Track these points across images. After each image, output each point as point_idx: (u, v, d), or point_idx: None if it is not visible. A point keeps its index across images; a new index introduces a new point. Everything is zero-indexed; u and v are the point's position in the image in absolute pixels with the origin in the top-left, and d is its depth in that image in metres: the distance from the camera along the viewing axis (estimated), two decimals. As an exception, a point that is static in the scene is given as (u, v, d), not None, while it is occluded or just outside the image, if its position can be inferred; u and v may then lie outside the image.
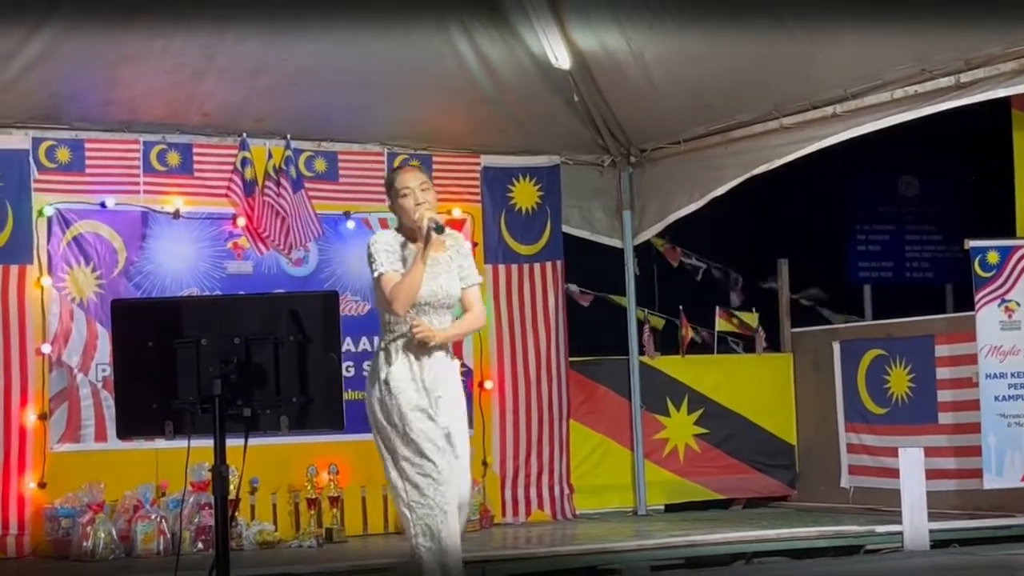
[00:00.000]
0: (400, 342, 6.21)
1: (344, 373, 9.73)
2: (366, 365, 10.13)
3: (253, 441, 5.22)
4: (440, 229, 6.18)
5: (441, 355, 6.27)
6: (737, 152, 10.51)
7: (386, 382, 6.17)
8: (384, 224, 10.34)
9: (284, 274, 10.06)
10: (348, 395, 9.71)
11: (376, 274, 6.24)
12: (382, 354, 6.24)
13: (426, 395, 6.16)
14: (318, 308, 5.22)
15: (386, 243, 6.28)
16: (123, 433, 5.27)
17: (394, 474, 6.16)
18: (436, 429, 6.14)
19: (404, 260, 6.23)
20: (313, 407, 5.15)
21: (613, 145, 11.22)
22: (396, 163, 10.47)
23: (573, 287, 11.36)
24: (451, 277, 6.32)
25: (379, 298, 6.28)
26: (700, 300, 11.84)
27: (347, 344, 10.08)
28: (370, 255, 6.26)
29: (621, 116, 10.94)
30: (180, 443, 5.23)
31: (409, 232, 6.30)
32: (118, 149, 9.70)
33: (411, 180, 6.31)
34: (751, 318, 11.74)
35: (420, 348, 6.18)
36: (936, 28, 8.60)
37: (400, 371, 6.17)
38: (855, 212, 13.94)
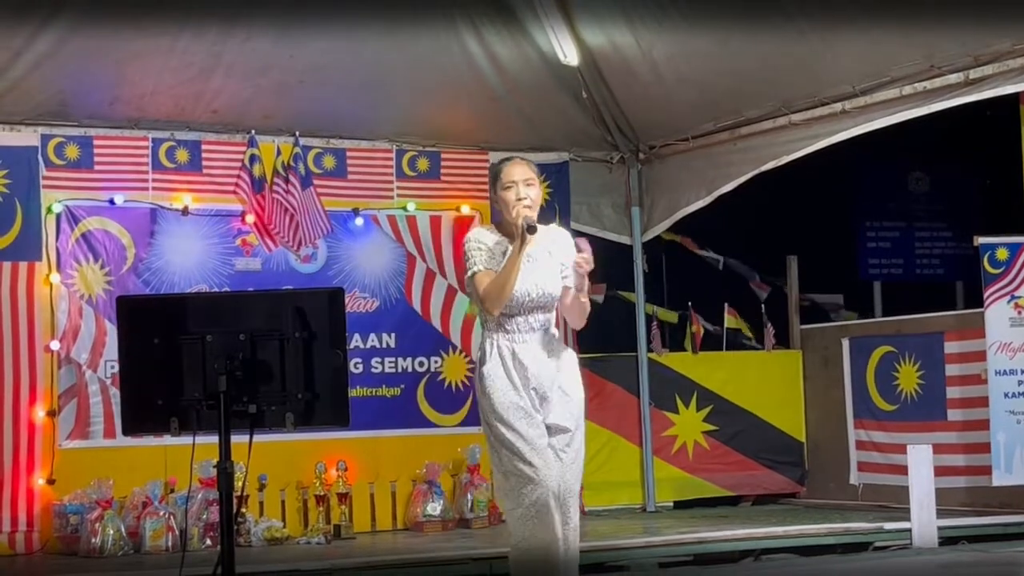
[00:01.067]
0: (495, 338, 6.00)
1: (352, 370, 9.88)
2: (375, 362, 10.29)
3: (262, 438, 5.22)
4: (532, 229, 5.91)
5: (545, 345, 6.03)
6: (745, 149, 10.51)
7: (480, 379, 6.01)
8: (392, 221, 10.38)
9: (293, 271, 10.06)
10: (356, 392, 9.88)
11: (470, 273, 6.02)
12: (482, 351, 6.07)
13: (524, 392, 5.93)
14: (324, 304, 5.20)
15: (480, 240, 6.04)
16: (128, 430, 5.27)
17: (493, 469, 6.08)
18: (534, 428, 5.93)
19: (499, 257, 5.99)
20: (319, 404, 5.13)
21: (622, 142, 11.22)
22: (405, 160, 10.49)
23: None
24: (549, 275, 6.04)
25: (473, 296, 6.12)
26: (710, 296, 11.83)
27: (355, 341, 10.10)
28: (465, 253, 6.07)
29: (630, 113, 10.94)
30: (189, 439, 5.23)
31: (507, 227, 6.05)
32: (127, 146, 9.72)
33: (517, 174, 6.03)
34: (744, 327, 11.75)
35: (517, 341, 5.99)
36: (944, 24, 8.59)
37: (493, 369, 5.97)
38: (865, 209, 13.92)
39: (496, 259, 6.00)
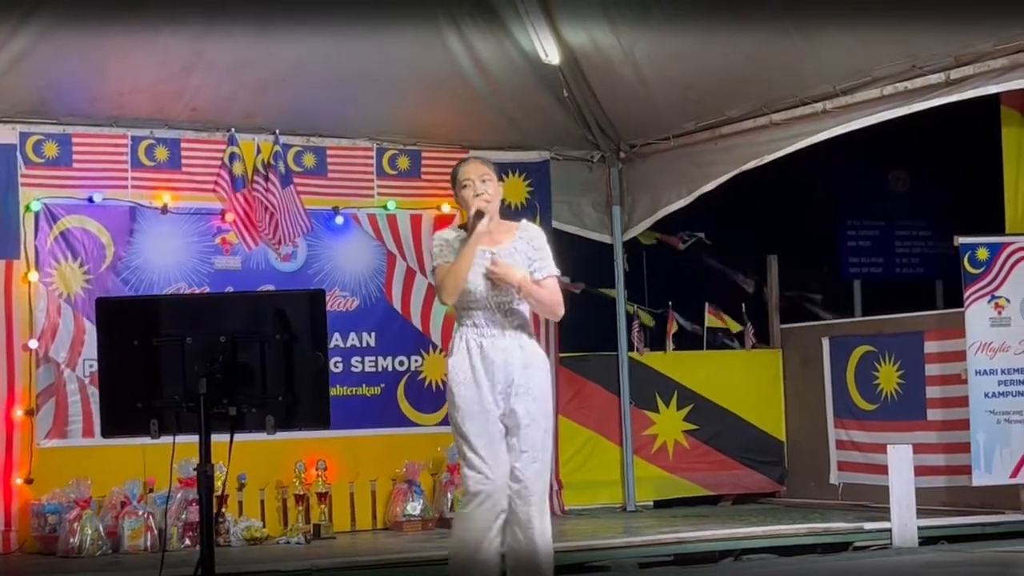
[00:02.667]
0: (464, 332, 6.14)
1: (332, 369, 9.84)
2: (355, 361, 10.26)
3: (242, 437, 5.20)
4: (480, 215, 6.09)
5: (513, 342, 6.12)
6: (726, 148, 10.50)
7: (447, 372, 6.16)
8: (372, 220, 10.36)
9: (272, 269, 10.03)
10: (335, 391, 9.84)
11: (431, 268, 6.24)
12: (452, 343, 6.20)
13: (488, 387, 6.04)
14: (305, 307, 5.19)
15: (443, 239, 6.24)
16: (108, 432, 5.24)
17: (458, 451, 6.19)
18: (491, 425, 6.04)
19: (459, 249, 6.15)
20: (299, 406, 5.12)
21: (603, 141, 11.21)
22: (385, 159, 10.47)
23: (564, 278, 11.33)
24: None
25: (437, 291, 6.27)
26: (692, 296, 11.83)
27: (335, 340, 10.07)
28: (431, 253, 6.26)
29: (611, 112, 10.92)
30: (168, 439, 5.20)
31: (472, 225, 6.20)
32: (106, 144, 9.67)
33: (472, 171, 6.24)
34: (732, 324, 11.73)
35: (486, 336, 6.10)
36: (926, 25, 8.59)
37: (458, 362, 6.10)
38: (845, 208, 13.94)
39: (456, 252, 6.15)
